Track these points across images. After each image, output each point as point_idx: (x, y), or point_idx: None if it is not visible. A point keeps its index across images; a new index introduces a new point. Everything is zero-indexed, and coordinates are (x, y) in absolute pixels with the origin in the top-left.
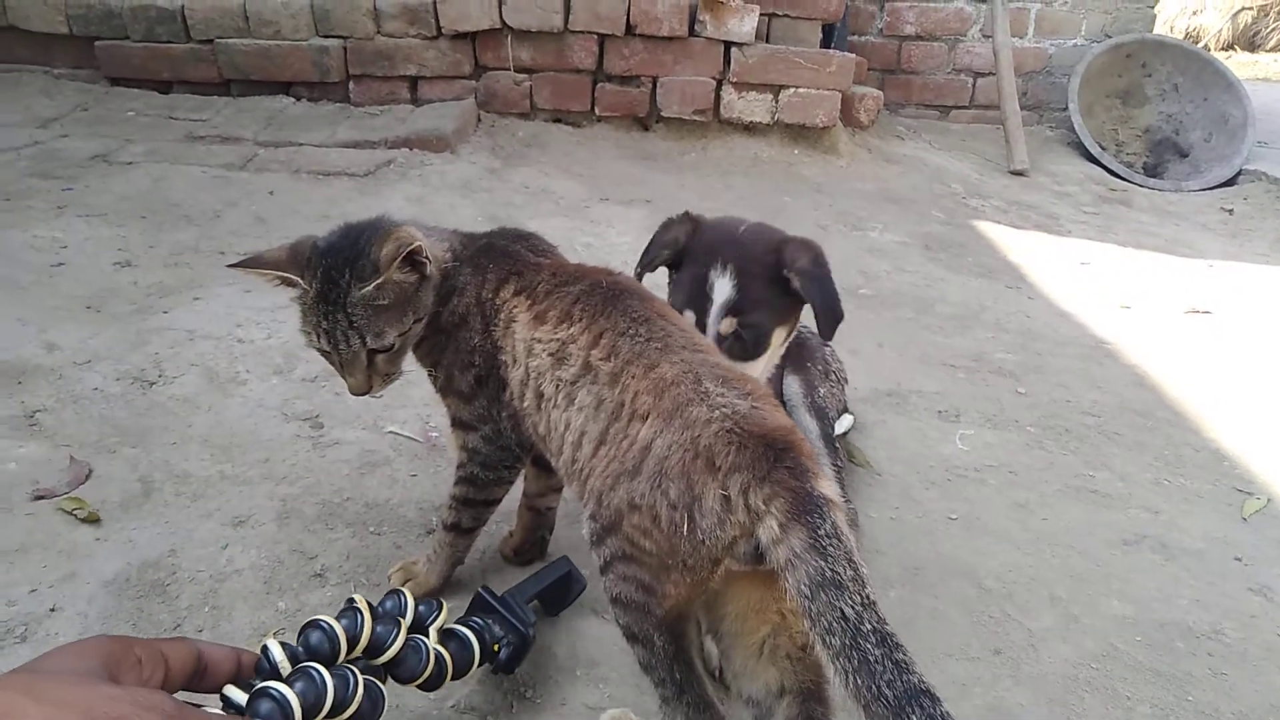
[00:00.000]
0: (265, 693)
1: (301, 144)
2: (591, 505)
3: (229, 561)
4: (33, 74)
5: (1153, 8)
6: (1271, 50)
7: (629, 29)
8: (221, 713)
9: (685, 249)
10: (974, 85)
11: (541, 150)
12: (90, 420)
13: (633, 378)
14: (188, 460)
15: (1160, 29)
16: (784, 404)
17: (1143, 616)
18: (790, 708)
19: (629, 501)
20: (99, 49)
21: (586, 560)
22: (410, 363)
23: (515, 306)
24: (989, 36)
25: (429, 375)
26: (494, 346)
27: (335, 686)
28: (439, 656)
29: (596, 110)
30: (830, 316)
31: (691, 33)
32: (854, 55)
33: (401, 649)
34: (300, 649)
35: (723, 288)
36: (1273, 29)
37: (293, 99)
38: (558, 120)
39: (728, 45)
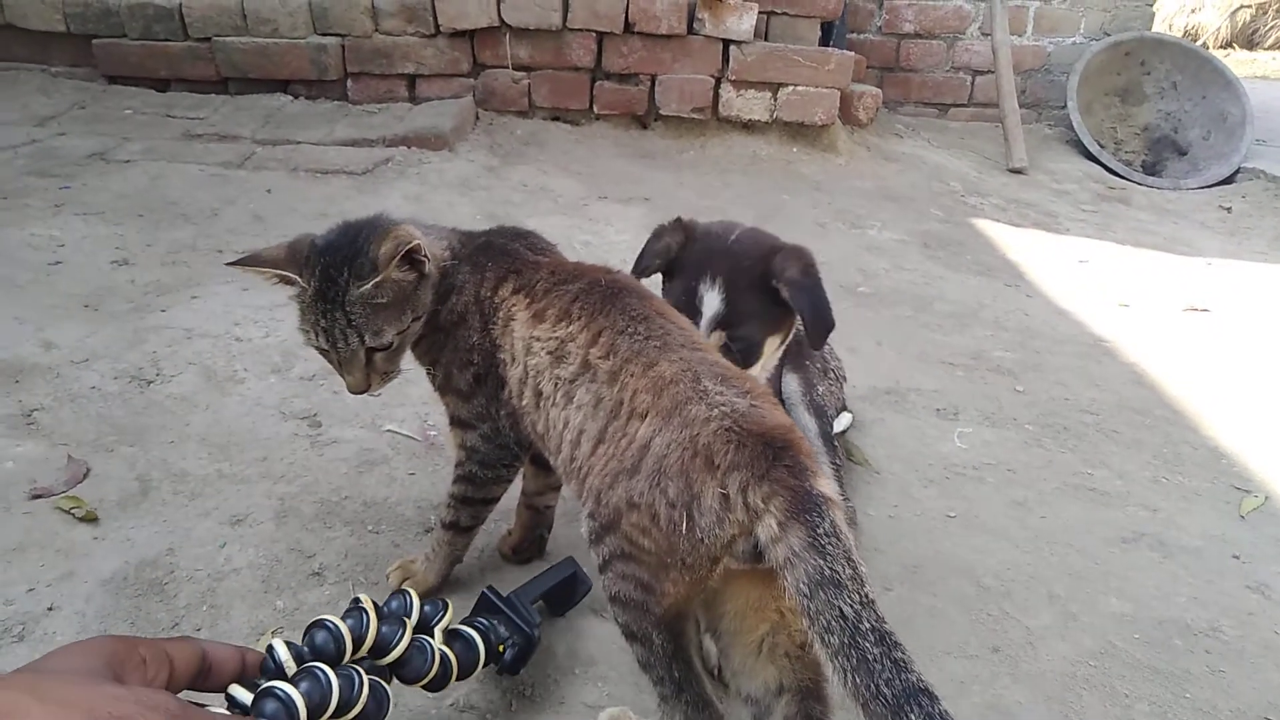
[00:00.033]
0: (270, 692)
1: (299, 142)
2: (590, 504)
3: (227, 560)
4: (30, 72)
5: (1151, 5)
6: (1270, 48)
7: (627, 27)
8: (226, 712)
9: (677, 259)
10: (973, 83)
11: (540, 148)
12: (88, 419)
13: (631, 376)
14: (185, 459)
15: (1159, 27)
16: (783, 402)
17: (1141, 614)
18: (789, 706)
19: (628, 500)
20: (96, 47)
21: (587, 559)
22: (409, 361)
23: (514, 305)
24: (988, 34)
25: (427, 373)
26: (493, 345)
27: (340, 687)
28: (444, 657)
29: (595, 108)
30: (819, 326)
31: (690, 31)
32: (853, 53)
33: (407, 649)
34: (305, 649)
35: (711, 301)
36: (1271, 27)
37: (290, 97)
38: (556, 118)
39: (726, 43)
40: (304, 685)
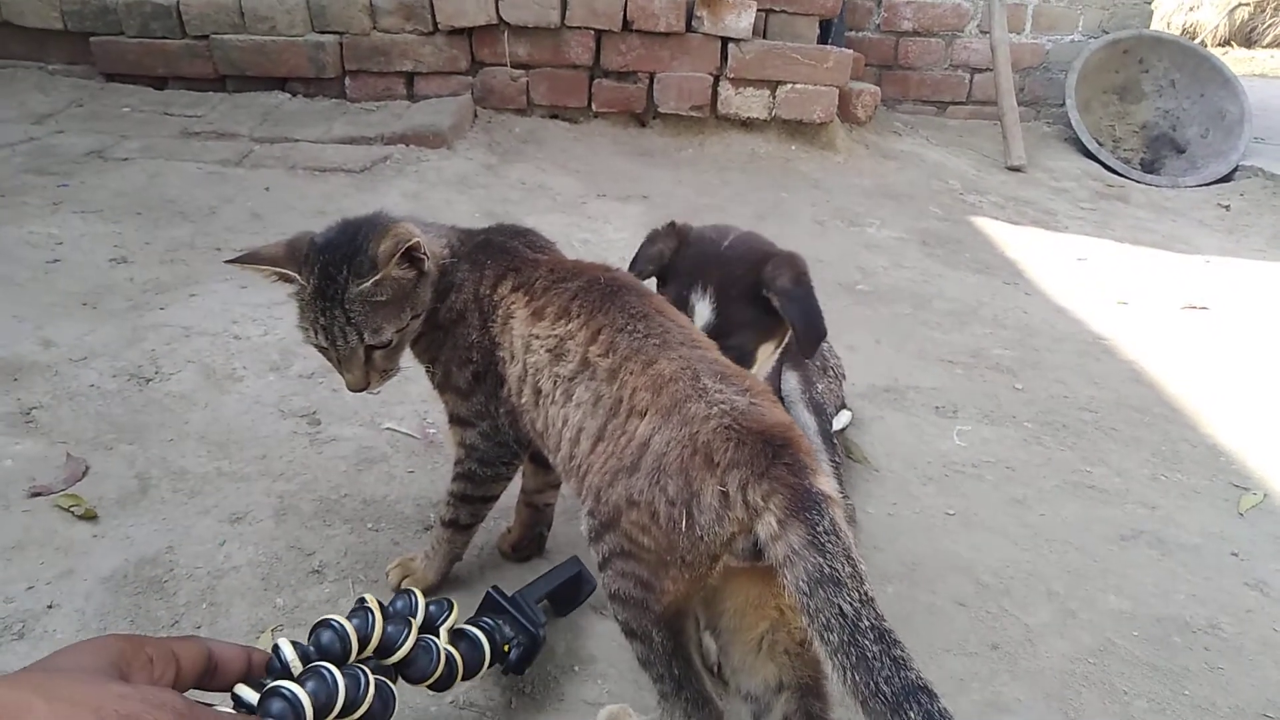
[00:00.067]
0: (277, 692)
1: (297, 140)
2: (590, 502)
3: (227, 558)
4: (28, 70)
5: (1149, 3)
6: (1268, 46)
7: (626, 25)
8: (232, 712)
9: (670, 264)
10: (971, 81)
11: (538, 146)
12: (87, 417)
13: (631, 374)
14: (185, 457)
15: (1157, 25)
16: (782, 399)
17: (1140, 611)
18: (788, 703)
19: (627, 498)
20: (94, 45)
21: (588, 557)
22: (408, 359)
23: (513, 302)
24: (986, 32)
25: (427, 371)
26: (492, 343)
27: (346, 686)
28: (449, 657)
29: (593, 106)
30: (810, 335)
31: (689, 28)
32: (851, 51)
33: (412, 649)
34: (311, 648)
35: (702, 311)
36: (1269, 25)
37: (289, 95)
38: (554, 116)
39: (725, 41)
40: (310, 685)
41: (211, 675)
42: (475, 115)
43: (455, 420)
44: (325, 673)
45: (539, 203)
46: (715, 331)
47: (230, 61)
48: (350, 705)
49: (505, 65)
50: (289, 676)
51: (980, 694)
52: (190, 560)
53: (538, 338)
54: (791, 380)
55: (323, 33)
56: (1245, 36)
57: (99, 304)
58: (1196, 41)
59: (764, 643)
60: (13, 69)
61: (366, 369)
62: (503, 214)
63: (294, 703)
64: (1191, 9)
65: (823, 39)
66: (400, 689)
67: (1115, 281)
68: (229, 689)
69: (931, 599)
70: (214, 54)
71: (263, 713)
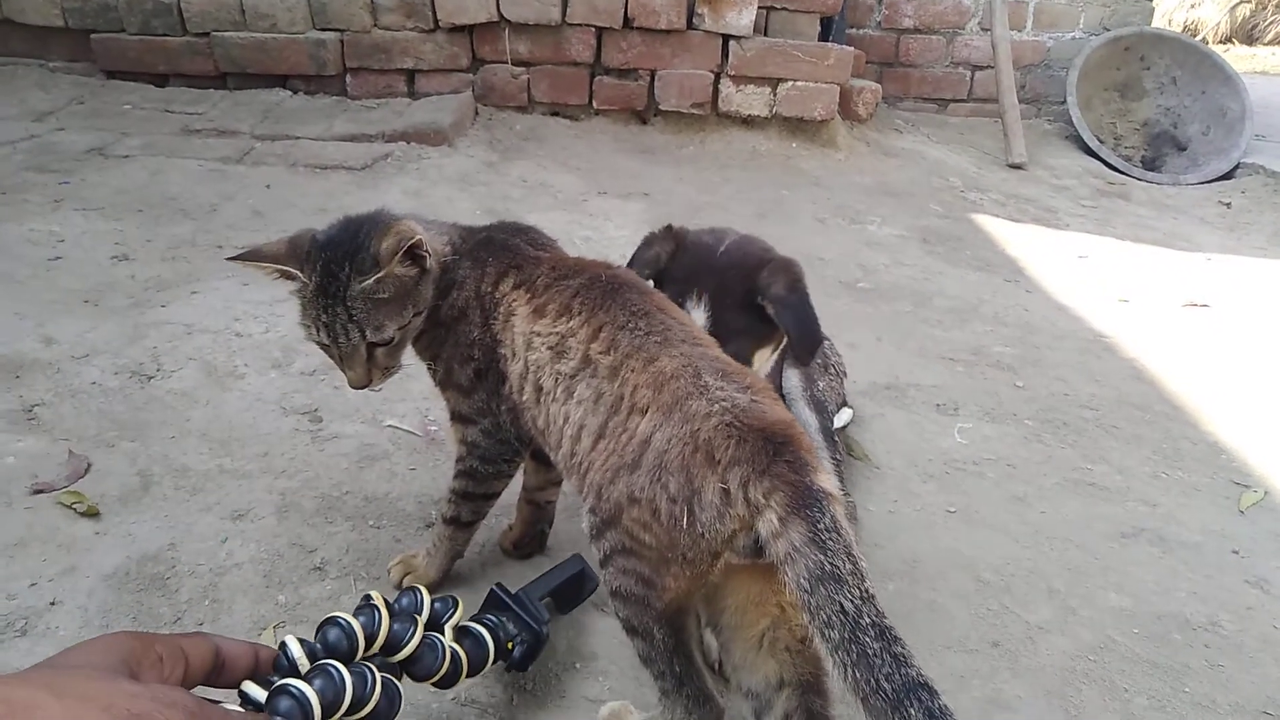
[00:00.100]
0: (285, 690)
1: (298, 137)
2: (591, 499)
3: (228, 555)
4: (28, 67)
5: (1151, 0)
6: (1270, 43)
7: (627, 22)
8: (241, 710)
9: (666, 269)
10: (972, 78)
11: (539, 144)
12: (88, 414)
13: (632, 371)
14: (186, 454)
15: (1158, 22)
16: (783, 397)
17: (1140, 609)
18: (789, 700)
19: (628, 495)
20: (95, 42)
21: (590, 554)
22: (409, 356)
23: (514, 300)
24: (987, 29)
25: (428, 369)
26: (493, 340)
27: (354, 684)
28: (454, 654)
29: (594, 103)
30: (805, 343)
31: (690, 26)
32: (852, 48)
33: (418, 647)
34: (319, 646)
35: (698, 318)
36: (1270, 22)
37: (289, 92)
38: (555, 114)
39: (726, 38)
40: (318, 683)
41: (219, 672)
42: (476, 113)
43: (457, 417)
44: (332, 671)
45: (540, 200)
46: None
47: (231, 59)
48: (357, 703)
49: (506, 62)
50: (296, 674)
51: (981, 691)
52: (192, 557)
53: (539, 335)
54: (793, 378)
55: (324, 30)
56: (1247, 34)
57: (100, 301)
58: (1198, 39)
59: (765, 640)
60: (14, 66)
61: (368, 366)
62: (504, 211)
63: (302, 701)
64: (1193, 6)
65: (824, 36)
66: (404, 686)
67: (1116, 279)
68: (236, 686)
69: (932, 596)
70: (215, 51)
71: (271, 711)
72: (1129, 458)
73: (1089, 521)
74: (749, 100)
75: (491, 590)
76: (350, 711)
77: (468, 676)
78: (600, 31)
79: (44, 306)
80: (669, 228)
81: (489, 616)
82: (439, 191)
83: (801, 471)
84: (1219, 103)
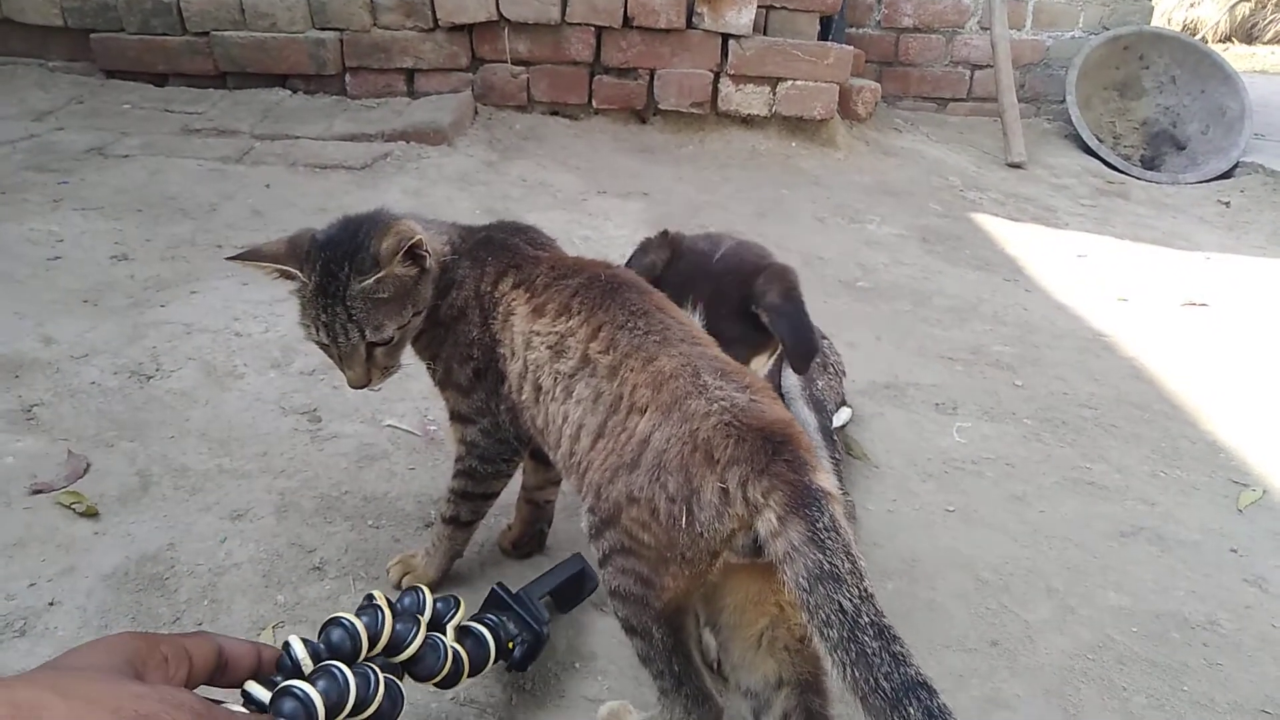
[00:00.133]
0: (288, 691)
1: (298, 137)
2: (590, 498)
3: (228, 555)
4: (28, 67)
5: (1150, 0)
6: (1269, 42)
7: (626, 21)
8: (246, 711)
9: (662, 276)
10: (971, 78)
11: (539, 143)
12: (88, 414)
13: (631, 371)
14: (186, 454)
15: (1158, 21)
16: (782, 396)
17: (1139, 608)
18: (788, 699)
19: (627, 494)
20: (94, 41)
21: (589, 554)
22: (409, 356)
23: (514, 299)
24: (987, 29)
25: (427, 368)
26: (492, 339)
27: (357, 686)
28: (456, 654)
29: (594, 103)
30: (800, 351)
31: (689, 25)
32: (852, 48)
33: (421, 647)
34: (322, 646)
35: None
36: (1270, 21)
37: (289, 91)
38: (555, 113)
39: (725, 37)
40: (321, 684)
41: (221, 672)
42: (476, 112)
43: (456, 417)
44: (336, 672)
45: (540, 200)
46: None
47: (231, 58)
48: (360, 704)
49: (506, 62)
50: (299, 675)
51: (980, 690)
52: (191, 557)
53: (538, 334)
54: (791, 377)
55: (323, 29)
56: (1246, 33)
57: (100, 301)
58: (1197, 38)
59: (764, 639)
60: (13, 66)
61: (368, 366)
62: (503, 211)
63: (306, 702)
64: (1192, 5)
65: (823, 35)
66: (405, 686)
67: (1115, 278)
68: (239, 685)
69: (931, 595)
70: (214, 51)
71: (274, 712)
72: (1128, 456)
73: (1088, 520)
74: (748, 99)
75: (493, 589)
76: (354, 713)
77: (468, 676)
78: (600, 31)
79: (43, 306)
80: (664, 234)
81: (489, 616)
82: (438, 191)
83: (800, 471)
84: (1218, 102)
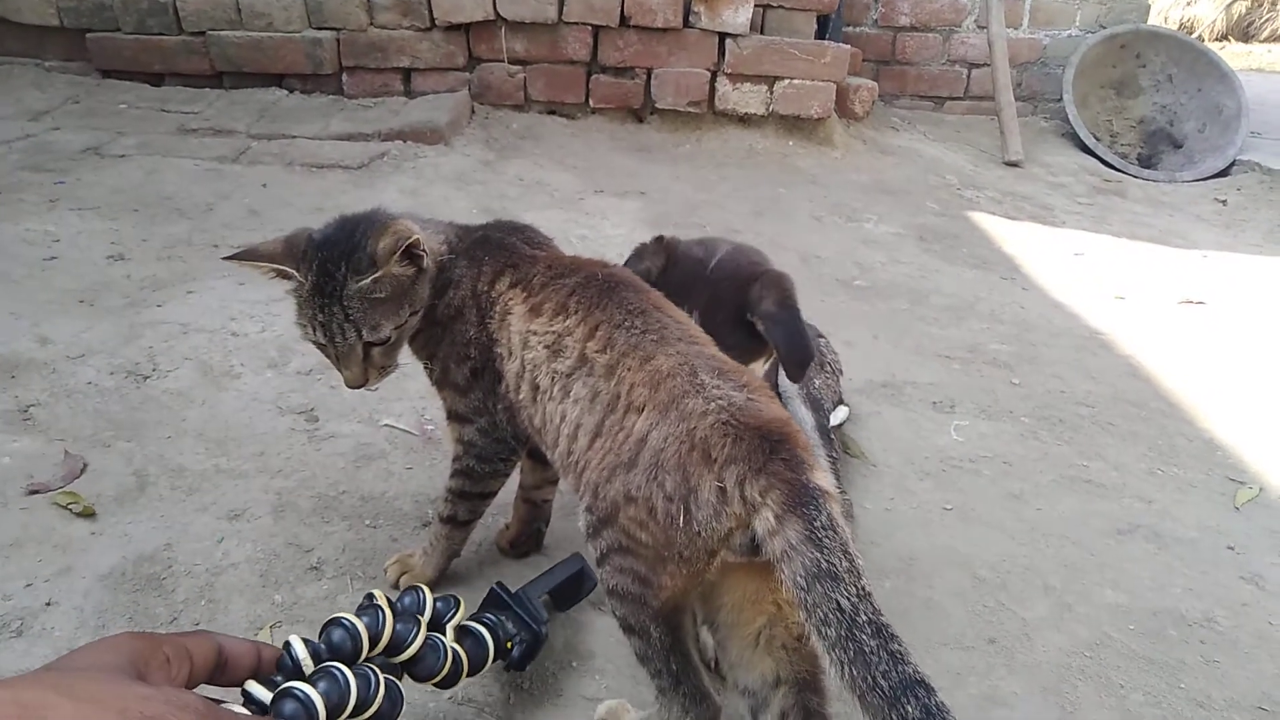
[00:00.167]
0: (289, 693)
1: (295, 136)
2: (587, 498)
3: (225, 555)
4: (24, 66)
5: None
6: (1265, 41)
7: (623, 20)
8: (247, 712)
9: (656, 283)
10: (969, 76)
11: (536, 142)
12: (84, 414)
13: (628, 370)
14: (182, 454)
15: (1154, 19)
16: (779, 395)
17: (1136, 605)
18: (786, 698)
19: (625, 494)
20: (90, 41)
21: (587, 553)
22: (406, 355)
23: (511, 299)
24: (984, 27)
25: (425, 368)
26: (490, 339)
27: (358, 687)
28: (455, 654)
29: (591, 102)
30: (795, 359)
31: (686, 24)
32: (849, 46)
33: (421, 648)
34: (322, 646)
35: None
36: (1266, 19)
37: (286, 91)
38: (552, 112)
39: (722, 36)
40: (322, 685)
41: (221, 670)
42: (473, 111)
43: (453, 417)
44: (337, 673)
45: (536, 199)
46: None
47: (227, 58)
48: (361, 705)
49: (503, 61)
50: (300, 675)
51: (977, 688)
52: (188, 557)
53: (535, 334)
54: None
55: (320, 29)
56: (1243, 31)
57: (96, 301)
58: (1194, 36)
59: (761, 638)
60: (9, 66)
61: (365, 366)
62: (500, 210)
63: (306, 704)
64: (1189, 3)
65: (820, 34)
66: (403, 686)
67: (1112, 276)
68: (239, 684)
69: (929, 593)
70: (211, 50)
71: (275, 714)
72: (1125, 454)
73: (1085, 518)
74: (745, 98)
75: (492, 589)
76: (354, 714)
77: (467, 676)
78: (597, 30)
79: (39, 306)
80: (659, 239)
81: (488, 615)
82: (435, 190)
83: (798, 469)
84: (1215, 100)
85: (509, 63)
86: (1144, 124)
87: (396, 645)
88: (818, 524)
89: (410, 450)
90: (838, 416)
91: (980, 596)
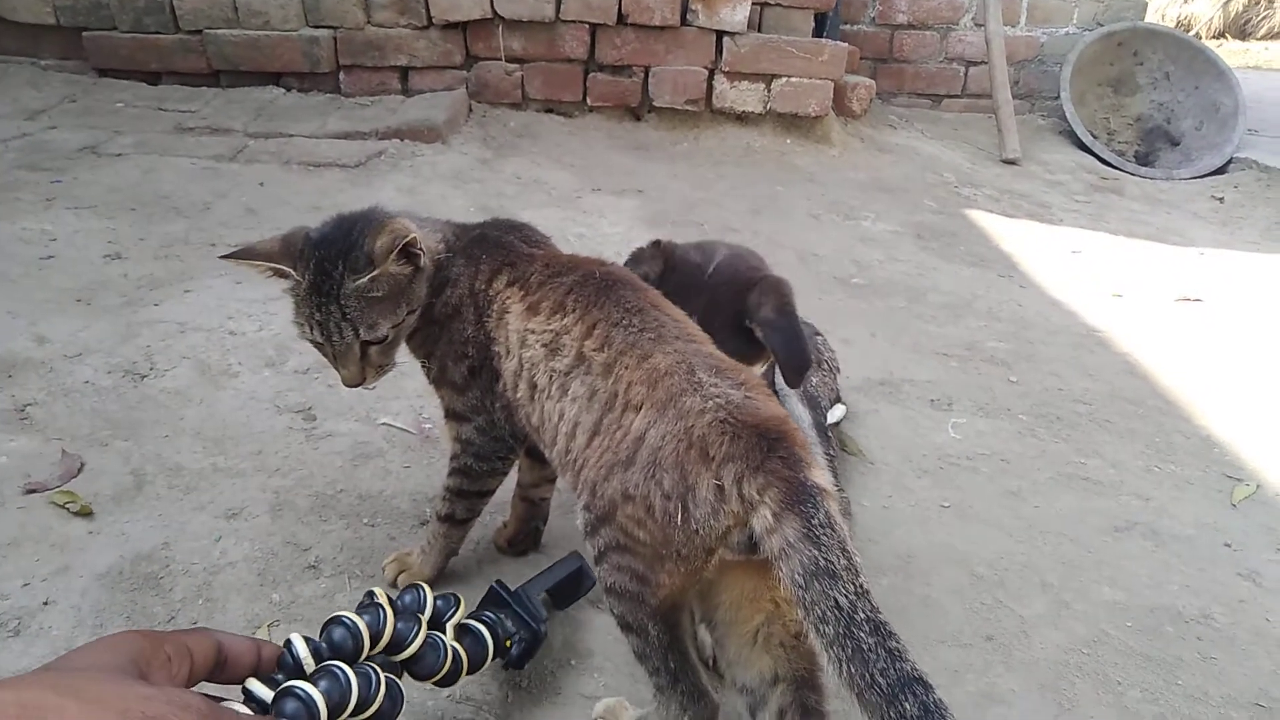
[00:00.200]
0: (290, 692)
1: (292, 135)
2: (585, 496)
3: (222, 554)
4: (20, 65)
5: None
6: (1262, 38)
7: (620, 18)
8: (249, 711)
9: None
10: (966, 74)
11: (533, 140)
12: (81, 413)
13: (626, 368)
14: (180, 453)
15: (1152, 17)
16: (776, 393)
17: (1133, 602)
18: (784, 695)
19: (623, 492)
20: (87, 40)
21: (585, 551)
22: (403, 354)
23: (508, 297)
24: (981, 25)
25: (422, 367)
26: (487, 337)
27: (359, 686)
28: (455, 653)
29: (588, 100)
30: (794, 365)
31: (683, 22)
32: (846, 44)
33: (421, 646)
34: (323, 645)
35: None
36: (1263, 17)
37: (283, 90)
38: (549, 110)
39: (720, 34)
40: (323, 684)
41: (221, 668)
42: (470, 110)
43: (451, 415)
44: (338, 672)
45: (534, 197)
46: None
47: (224, 56)
48: (362, 704)
49: (500, 59)
50: (301, 673)
51: (975, 685)
52: (186, 556)
53: (533, 332)
54: None
55: (317, 27)
56: (1240, 28)
57: (93, 300)
58: (1191, 34)
59: (759, 635)
60: (5, 64)
61: (362, 364)
62: (497, 209)
63: (308, 703)
64: (1186, 1)
65: (817, 32)
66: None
67: (1109, 274)
68: (238, 682)
69: (926, 591)
70: (207, 49)
71: (277, 713)
72: (1122, 452)
73: (1082, 516)
74: (743, 96)
75: (491, 587)
76: (355, 712)
77: (467, 674)
78: (594, 28)
79: (36, 305)
80: (657, 244)
81: (487, 613)
82: (433, 189)
83: (795, 467)
84: (1212, 98)
85: (506, 61)
86: (1141, 122)
87: (397, 644)
88: (815, 521)
89: (408, 449)
90: (835, 414)
91: (978, 594)
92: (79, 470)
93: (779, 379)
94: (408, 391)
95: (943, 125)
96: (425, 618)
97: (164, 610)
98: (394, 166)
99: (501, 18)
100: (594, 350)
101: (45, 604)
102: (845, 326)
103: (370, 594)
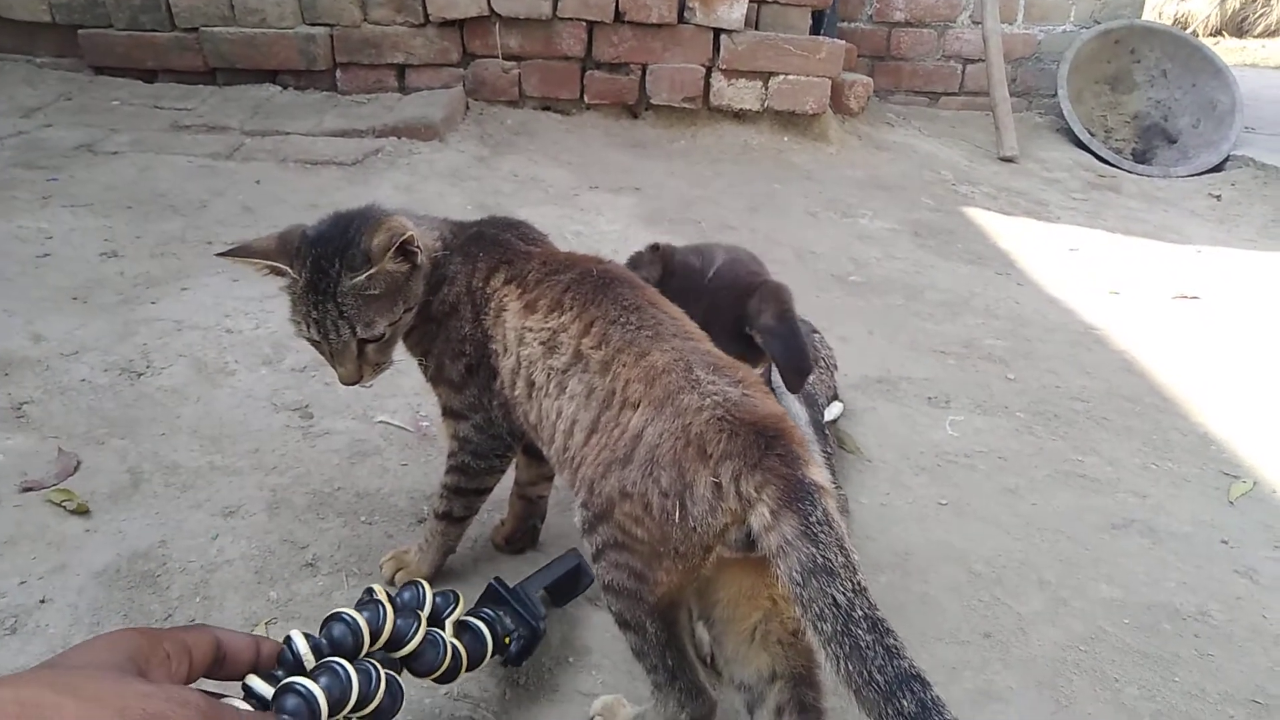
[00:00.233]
0: (291, 688)
1: (288, 133)
2: (583, 493)
3: (219, 552)
4: (15, 63)
5: None
6: (1259, 36)
7: (618, 16)
8: (250, 708)
9: None
10: (963, 72)
11: (530, 138)
12: (78, 411)
13: (624, 366)
14: (177, 451)
15: (1149, 15)
16: (774, 391)
17: (1130, 599)
18: (782, 693)
19: (620, 489)
20: (82, 38)
21: (583, 549)
22: (401, 352)
23: (506, 295)
24: (978, 23)
25: (419, 364)
26: (485, 335)
27: (359, 682)
28: (454, 650)
29: (585, 98)
30: (794, 372)
31: (681, 20)
32: (843, 42)
33: (421, 643)
34: (323, 641)
35: None
36: (1260, 15)
37: (279, 87)
38: (546, 108)
39: (717, 32)
40: (324, 680)
41: (220, 665)
42: (467, 107)
43: (448, 413)
44: (338, 668)
45: (531, 195)
46: None
47: (220, 54)
48: (362, 701)
49: (497, 57)
50: (301, 670)
51: (973, 682)
52: (183, 554)
53: (530, 330)
54: None
55: (313, 25)
56: (1237, 26)
57: (89, 298)
58: (1188, 31)
59: (757, 633)
60: (1, 62)
61: (359, 362)
62: (495, 206)
63: (309, 699)
64: None
65: (815, 30)
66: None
67: (1107, 271)
68: (237, 679)
69: (924, 588)
70: (204, 47)
71: (277, 709)
72: (1119, 449)
73: (1080, 513)
74: (740, 94)
75: (490, 584)
76: (355, 709)
77: (465, 671)
78: (591, 25)
79: (32, 304)
80: (655, 248)
81: (486, 610)
82: (430, 187)
83: (793, 465)
84: (1209, 95)
85: (503, 59)
86: (1138, 119)
87: (397, 640)
88: (813, 519)
89: (405, 446)
90: (832, 412)
91: (975, 591)
92: (75, 468)
93: (776, 376)
94: (405, 389)
95: (940, 123)
96: (424, 614)
97: (161, 608)
98: (391, 164)
99: (499, 15)
100: (591, 348)
101: (42, 602)
102: (842, 324)
103: (370, 591)
